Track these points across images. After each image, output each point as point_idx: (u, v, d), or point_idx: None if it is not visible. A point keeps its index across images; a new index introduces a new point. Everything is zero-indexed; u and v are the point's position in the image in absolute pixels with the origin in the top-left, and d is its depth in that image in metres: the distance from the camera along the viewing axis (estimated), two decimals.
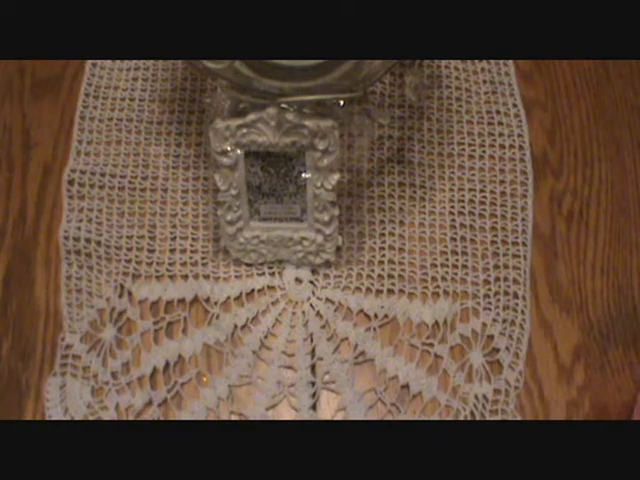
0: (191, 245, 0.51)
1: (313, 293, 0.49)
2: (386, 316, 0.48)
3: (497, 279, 0.50)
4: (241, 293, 0.49)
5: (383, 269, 0.50)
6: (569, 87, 0.58)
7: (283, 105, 0.41)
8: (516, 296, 0.49)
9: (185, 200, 0.52)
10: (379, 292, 0.49)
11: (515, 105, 0.57)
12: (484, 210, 0.52)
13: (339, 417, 0.45)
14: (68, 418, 0.45)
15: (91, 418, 0.45)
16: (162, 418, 0.45)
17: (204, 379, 0.46)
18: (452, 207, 0.52)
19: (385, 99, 0.57)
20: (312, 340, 0.47)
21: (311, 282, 0.49)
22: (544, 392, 0.46)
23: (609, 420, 0.45)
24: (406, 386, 0.46)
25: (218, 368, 0.47)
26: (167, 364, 0.47)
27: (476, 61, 0.59)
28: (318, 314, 0.48)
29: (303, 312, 0.48)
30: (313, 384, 0.46)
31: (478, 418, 0.45)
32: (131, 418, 0.45)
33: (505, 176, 0.54)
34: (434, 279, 0.50)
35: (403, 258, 0.50)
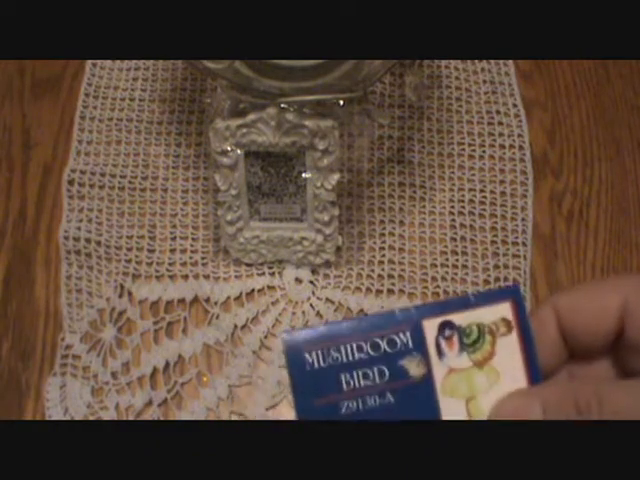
0: (191, 245, 0.51)
1: (313, 293, 0.49)
2: None
3: (497, 279, 0.50)
4: (241, 293, 0.49)
5: (383, 269, 0.50)
6: (569, 87, 0.58)
7: (283, 105, 0.41)
8: None
9: (185, 200, 0.52)
10: (379, 292, 0.49)
11: (515, 105, 0.57)
12: (484, 210, 0.52)
13: None
14: (68, 418, 0.45)
15: (91, 418, 0.45)
16: (162, 418, 0.45)
17: (204, 379, 0.46)
18: (452, 207, 0.52)
19: (385, 99, 0.57)
20: None
21: (311, 282, 0.49)
22: None
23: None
24: None
25: (218, 368, 0.47)
26: (167, 364, 0.47)
27: (476, 61, 0.59)
28: (318, 314, 0.48)
29: (303, 312, 0.48)
30: None
31: None
32: (131, 418, 0.45)
33: (505, 176, 0.54)
34: (434, 279, 0.50)
35: (403, 258, 0.50)
